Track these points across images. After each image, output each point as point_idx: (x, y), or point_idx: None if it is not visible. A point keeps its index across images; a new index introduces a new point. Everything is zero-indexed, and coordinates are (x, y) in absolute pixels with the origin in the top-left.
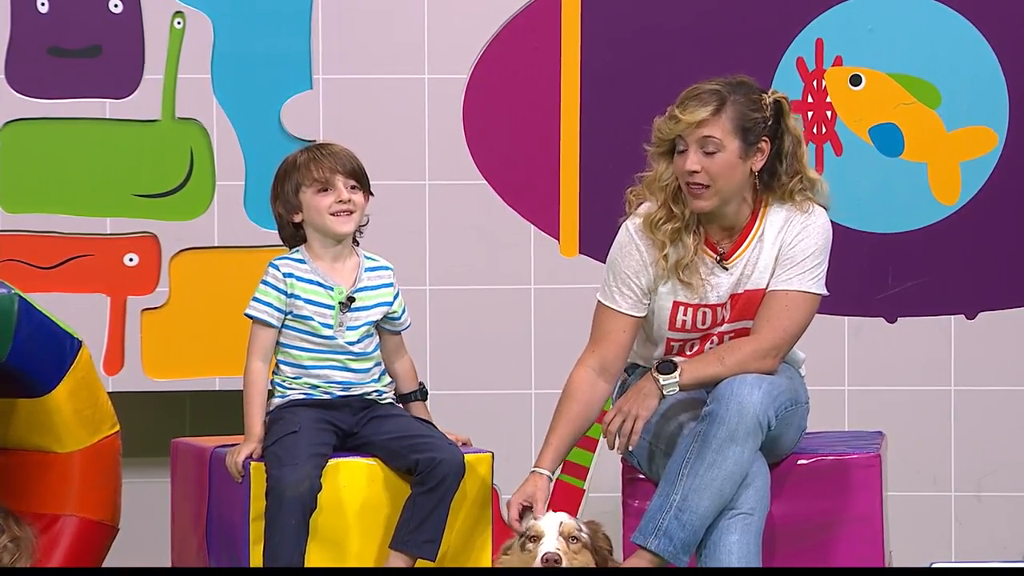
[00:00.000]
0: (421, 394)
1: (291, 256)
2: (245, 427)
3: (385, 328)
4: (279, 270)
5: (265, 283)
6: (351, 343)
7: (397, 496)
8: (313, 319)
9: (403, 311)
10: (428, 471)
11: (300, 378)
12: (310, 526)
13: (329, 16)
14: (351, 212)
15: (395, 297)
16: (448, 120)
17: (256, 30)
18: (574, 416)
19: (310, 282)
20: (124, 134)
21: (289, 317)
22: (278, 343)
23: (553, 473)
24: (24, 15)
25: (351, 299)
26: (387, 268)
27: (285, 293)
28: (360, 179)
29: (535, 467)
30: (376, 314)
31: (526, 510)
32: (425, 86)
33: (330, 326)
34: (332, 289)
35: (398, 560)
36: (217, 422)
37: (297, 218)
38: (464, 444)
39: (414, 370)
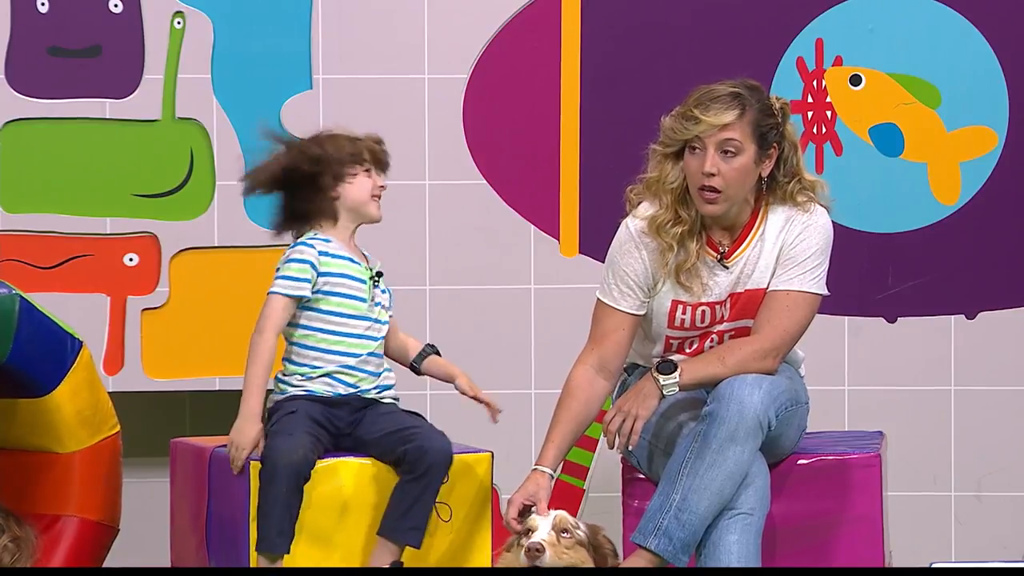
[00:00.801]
0: (430, 348)
1: (318, 235)
2: (243, 401)
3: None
4: (313, 247)
5: (296, 260)
6: (377, 321)
7: (389, 493)
8: (352, 295)
9: (390, 296)
10: (415, 460)
11: (308, 365)
12: (304, 522)
13: (329, 16)
14: (379, 199)
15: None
16: (448, 120)
17: (256, 30)
18: (574, 414)
19: (343, 258)
20: (124, 134)
21: (320, 295)
22: (298, 326)
23: (555, 471)
24: (24, 15)
25: (380, 273)
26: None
27: (318, 272)
28: None
29: (537, 465)
30: (381, 297)
31: (527, 509)
32: (425, 86)
33: (365, 300)
34: (361, 265)
35: (384, 547)
36: (217, 422)
37: (334, 193)
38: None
39: (411, 338)
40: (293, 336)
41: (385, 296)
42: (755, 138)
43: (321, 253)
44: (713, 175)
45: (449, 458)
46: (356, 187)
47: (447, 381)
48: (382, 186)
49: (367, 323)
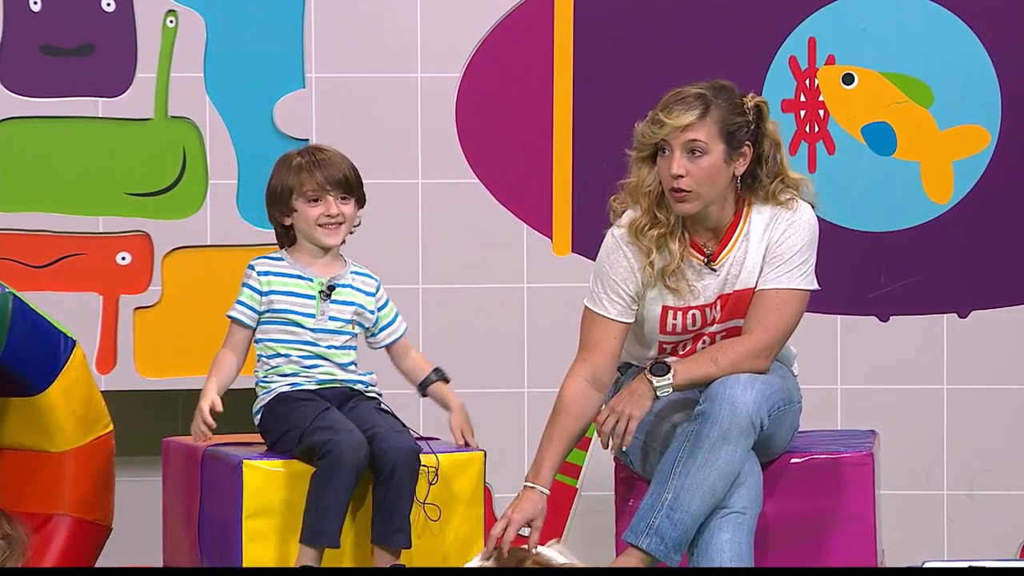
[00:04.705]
0: (436, 374)
1: (269, 256)
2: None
3: (385, 343)
4: (254, 270)
5: (243, 284)
6: (332, 332)
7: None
8: (293, 311)
9: (395, 318)
10: (377, 462)
11: (282, 367)
12: (300, 525)
13: (322, 15)
14: (339, 224)
15: (382, 305)
16: (441, 119)
17: (249, 29)
18: (569, 430)
19: (288, 276)
20: (117, 133)
21: (268, 313)
22: (260, 340)
23: (549, 488)
24: (16, 13)
25: (331, 288)
26: (373, 278)
27: (260, 292)
28: (352, 189)
29: (534, 484)
30: (358, 315)
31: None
32: (418, 85)
33: (312, 315)
34: (312, 280)
35: (381, 555)
36: None
37: (287, 221)
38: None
39: (423, 360)
40: (257, 348)
41: (344, 310)
42: (723, 137)
43: (263, 273)
44: (681, 176)
45: (412, 454)
46: (300, 217)
47: (444, 408)
48: (331, 214)
49: (319, 334)
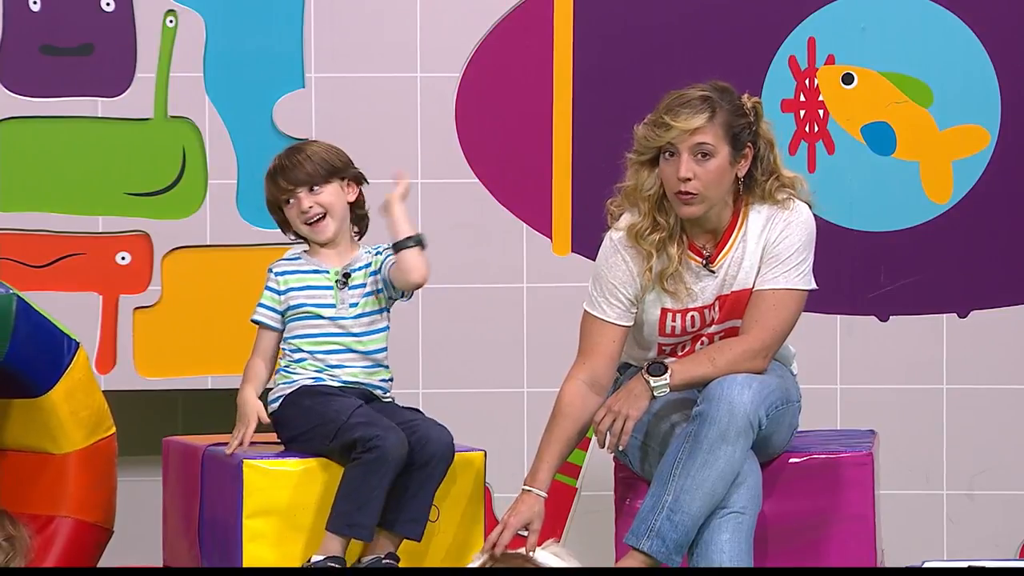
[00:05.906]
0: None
1: (286, 257)
2: (238, 411)
3: (390, 278)
4: (273, 272)
5: (265, 287)
6: (355, 317)
7: None
8: (311, 303)
9: (382, 254)
10: (417, 451)
11: (305, 360)
12: (300, 524)
13: (321, 14)
14: (322, 217)
15: (376, 254)
16: (440, 118)
17: (248, 28)
18: (567, 433)
19: (305, 272)
20: (116, 132)
21: (290, 311)
22: (285, 338)
23: (547, 491)
24: (16, 13)
25: (347, 275)
26: (377, 246)
27: (278, 292)
28: (318, 179)
29: (531, 487)
30: (376, 283)
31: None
32: (417, 84)
33: (332, 305)
34: (328, 272)
35: (383, 540)
36: (210, 421)
37: (286, 223)
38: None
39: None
40: (283, 346)
41: (367, 280)
42: (728, 139)
43: (280, 273)
44: (689, 179)
45: (450, 449)
46: (290, 218)
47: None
48: (303, 211)
49: (341, 322)
